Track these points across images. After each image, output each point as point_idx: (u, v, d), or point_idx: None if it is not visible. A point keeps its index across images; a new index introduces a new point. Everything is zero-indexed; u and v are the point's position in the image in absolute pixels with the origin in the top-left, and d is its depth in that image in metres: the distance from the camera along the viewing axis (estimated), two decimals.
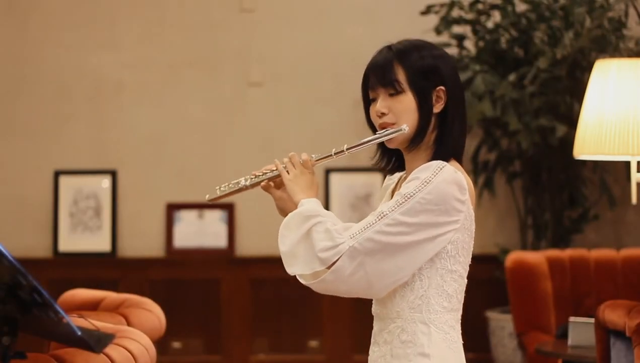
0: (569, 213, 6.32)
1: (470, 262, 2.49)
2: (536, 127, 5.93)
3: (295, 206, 2.52)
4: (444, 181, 2.37)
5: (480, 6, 6.17)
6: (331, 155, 2.53)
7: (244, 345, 6.46)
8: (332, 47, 6.51)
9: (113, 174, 6.57)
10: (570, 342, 4.78)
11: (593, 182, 6.42)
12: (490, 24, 6.22)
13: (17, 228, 6.54)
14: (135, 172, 6.60)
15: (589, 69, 5.45)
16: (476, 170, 6.28)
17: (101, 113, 6.62)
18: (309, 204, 2.44)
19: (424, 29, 6.16)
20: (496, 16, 6.25)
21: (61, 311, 2.06)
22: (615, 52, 5.71)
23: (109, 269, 6.48)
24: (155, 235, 6.56)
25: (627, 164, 4.61)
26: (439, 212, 2.36)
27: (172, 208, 6.54)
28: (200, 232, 6.54)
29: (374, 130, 2.53)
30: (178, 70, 6.61)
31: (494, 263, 6.27)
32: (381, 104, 2.46)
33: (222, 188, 2.63)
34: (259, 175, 2.58)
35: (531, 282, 5.60)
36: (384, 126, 2.47)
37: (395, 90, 2.45)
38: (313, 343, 6.46)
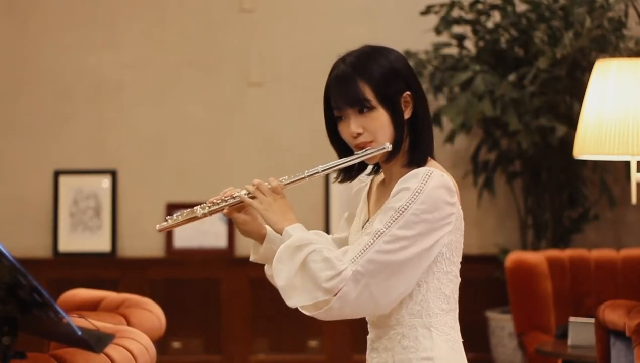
0: (569, 213, 6.32)
1: (461, 260, 2.49)
2: (536, 127, 5.93)
3: (262, 227, 2.52)
4: (434, 188, 2.35)
5: (480, 6, 6.17)
6: (304, 177, 2.47)
7: (244, 345, 6.46)
8: (332, 47, 6.45)
9: (113, 174, 6.57)
10: (570, 342, 4.78)
11: (593, 182, 6.42)
12: (490, 24, 6.22)
13: (17, 228, 6.54)
14: (135, 172, 6.60)
15: (589, 69, 5.45)
16: (476, 170, 6.28)
17: (101, 113, 6.62)
18: (296, 233, 2.39)
19: (424, 29, 6.17)
20: (496, 16, 6.24)
21: (61, 311, 2.06)
22: (615, 52, 5.71)
23: (109, 269, 6.48)
24: (155, 235, 6.56)
25: (627, 164, 4.60)
26: (434, 219, 2.35)
27: (172, 208, 6.54)
28: (200, 232, 6.53)
29: (338, 147, 2.49)
30: (178, 70, 6.61)
31: (494, 263, 6.27)
32: (355, 124, 2.42)
33: (175, 217, 2.57)
34: (217, 203, 2.51)
35: (531, 282, 5.60)
36: (361, 146, 2.43)
37: (365, 107, 2.41)
38: (313, 343, 6.46)
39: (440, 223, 2.36)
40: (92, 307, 3.98)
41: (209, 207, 2.52)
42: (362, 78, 2.42)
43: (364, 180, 2.60)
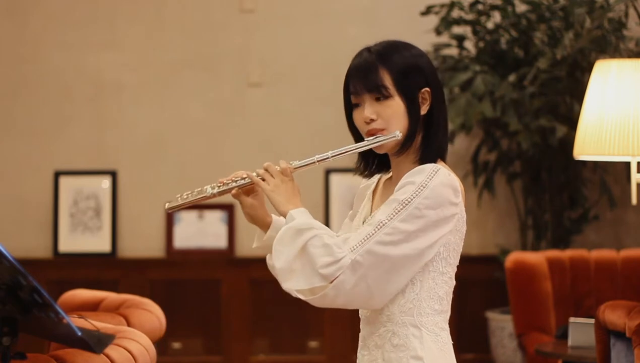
0: (569, 213, 6.33)
1: (458, 263, 2.48)
2: (536, 128, 5.93)
3: (268, 214, 2.50)
4: (440, 184, 2.35)
5: (480, 7, 6.17)
6: (314, 161, 2.46)
7: (244, 345, 6.46)
8: (332, 47, 6.50)
9: (113, 175, 6.57)
10: (570, 342, 4.78)
11: (593, 182, 6.42)
12: (490, 25, 6.22)
13: (17, 228, 6.54)
14: (135, 173, 6.60)
15: (589, 69, 5.45)
16: (476, 170, 6.28)
17: (101, 113, 6.62)
18: (300, 217, 2.38)
19: (424, 30, 6.17)
20: (496, 17, 6.25)
21: (61, 311, 2.06)
22: (616, 52, 5.71)
23: (109, 270, 6.48)
24: (155, 235, 6.56)
25: (627, 165, 4.61)
26: (436, 216, 2.35)
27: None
28: (200, 232, 6.54)
29: (356, 136, 2.49)
30: (178, 70, 6.62)
31: (494, 264, 6.27)
32: (369, 110, 2.42)
33: (184, 196, 2.55)
34: (228, 183, 2.51)
35: (531, 282, 5.60)
36: (373, 133, 2.43)
37: (382, 95, 2.41)
38: (313, 344, 6.46)
39: (442, 221, 2.36)
40: (92, 307, 3.99)
41: (219, 187, 2.52)
42: (383, 66, 2.42)
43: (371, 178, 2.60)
